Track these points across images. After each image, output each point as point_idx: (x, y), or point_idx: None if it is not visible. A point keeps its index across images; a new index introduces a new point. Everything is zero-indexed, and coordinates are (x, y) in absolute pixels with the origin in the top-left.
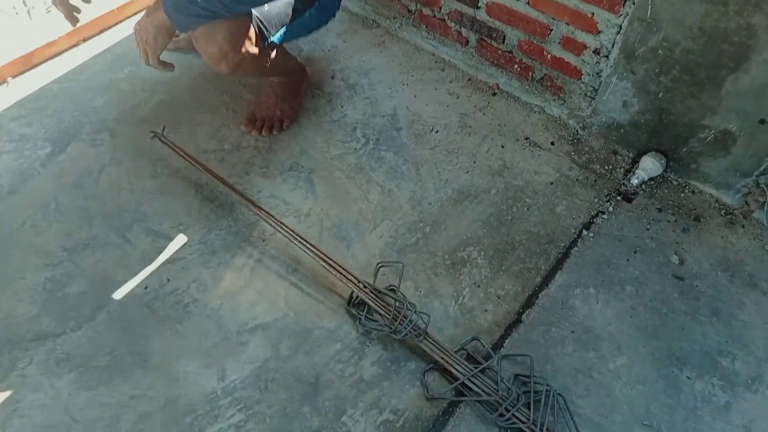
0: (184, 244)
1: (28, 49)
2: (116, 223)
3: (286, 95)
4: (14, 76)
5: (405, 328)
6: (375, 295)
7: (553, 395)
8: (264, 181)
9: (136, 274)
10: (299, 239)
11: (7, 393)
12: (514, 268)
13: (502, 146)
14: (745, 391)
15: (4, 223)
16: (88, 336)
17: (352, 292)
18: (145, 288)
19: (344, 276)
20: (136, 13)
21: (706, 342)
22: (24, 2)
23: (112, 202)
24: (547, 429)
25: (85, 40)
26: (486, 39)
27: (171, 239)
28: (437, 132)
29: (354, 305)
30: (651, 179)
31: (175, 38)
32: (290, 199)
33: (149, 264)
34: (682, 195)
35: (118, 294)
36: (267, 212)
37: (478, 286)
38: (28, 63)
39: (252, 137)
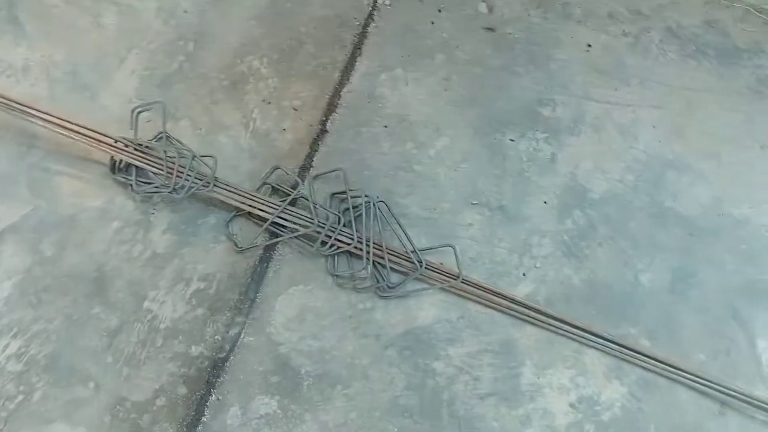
0: None
1: None
2: None
3: None
4: None
5: (187, 180)
6: (141, 151)
7: (374, 204)
8: None
9: None
10: (23, 106)
11: None
12: (306, 69)
13: None
14: (569, 136)
15: None
16: None
17: (113, 156)
18: None
19: (96, 139)
20: None
21: (525, 95)
22: None
23: None
24: (374, 243)
25: None
26: None
27: None
28: None
29: (120, 170)
30: None
31: None
32: None
33: None
34: None
35: None
36: None
37: (269, 102)
38: None
39: None
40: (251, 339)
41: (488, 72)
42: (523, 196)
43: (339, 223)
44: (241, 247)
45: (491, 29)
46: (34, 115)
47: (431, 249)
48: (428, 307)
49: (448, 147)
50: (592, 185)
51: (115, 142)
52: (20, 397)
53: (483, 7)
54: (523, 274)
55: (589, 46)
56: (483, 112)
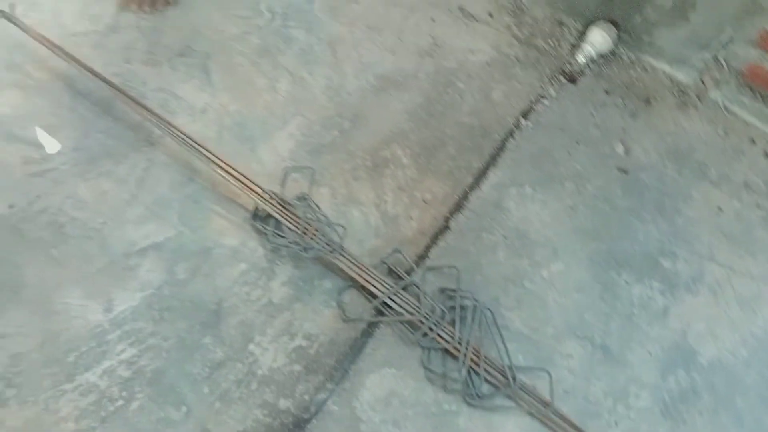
0: (56, 154)
1: None
2: None
3: None
4: None
5: (317, 244)
6: (283, 206)
7: (481, 310)
8: (149, 71)
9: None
10: (193, 143)
11: None
12: (443, 168)
13: (433, 19)
14: (685, 293)
15: None
16: None
17: (257, 204)
18: (10, 207)
19: (247, 186)
20: None
21: (649, 242)
22: None
23: None
24: (473, 348)
25: None
26: None
27: (38, 146)
28: (357, 2)
29: (260, 219)
30: (600, 56)
31: None
32: (182, 92)
33: (12, 177)
34: (633, 74)
35: None
36: (153, 111)
37: (403, 190)
38: None
39: (132, 14)
40: (336, 408)
41: (615, 211)
42: (628, 341)
43: (443, 319)
44: (347, 317)
45: (624, 171)
46: (200, 153)
47: (527, 369)
48: (512, 428)
49: (563, 273)
50: (702, 349)
51: (263, 192)
52: (120, 402)
53: (620, 149)
54: (615, 423)
55: (720, 209)
56: (603, 247)
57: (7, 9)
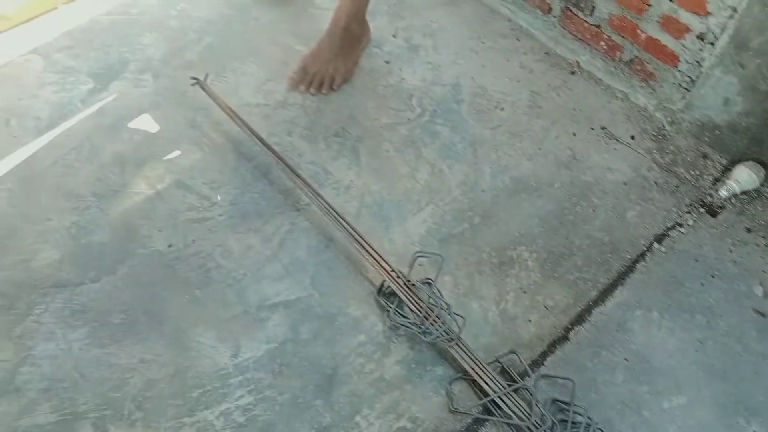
0: (215, 203)
1: None
2: (148, 172)
3: (342, 50)
4: (66, 2)
5: (436, 330)
6: (408, 287)
7: (594, 429)
8: (306, 145)
9: (162, 229)
10: (335, 214)
11: (22, 337)
12: (568, 277)
13: (574, 134)
14: None
15: (37, 158)
16: (107, 290)
17: (384, 281)
18: (169, 246)
19: (377, 262)
20: None
21: None
22: None
23: (147, 149)
24: None
25: None
26: (572, 8)
27: (202, 196)
28: (502, 110)
29: (384, 295)
30: (743, 193)
31: None
32: (332, 167)
33: (176, 220)
34: None
35: (142, 248)
36: (305, 180)
37: (525, 292)
38: None
39: (299, 95)
40: None
41: (748, 354)
42: None
43: (553, 430)
44: (455, 408)
45: (762, 314)
46: (340, 224)
47: None
48: None
49: (684, 408)
50: None
51: (391, 270)
52: None
53: (759, 290)
54: None
55: None
56: (731, 390)
57: (201, 77)
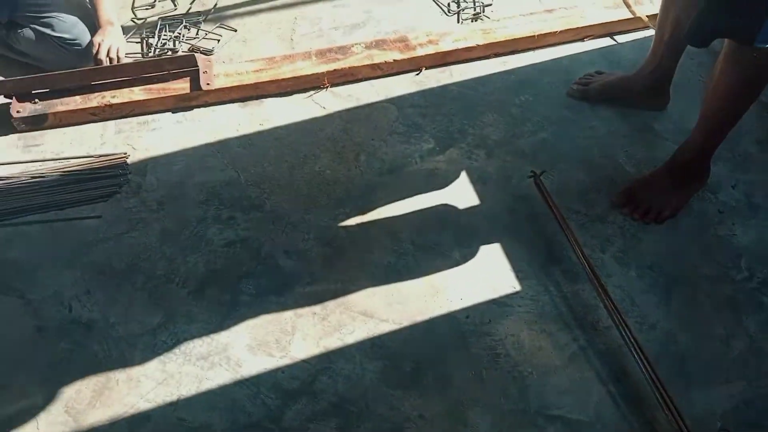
0: (516, 293)
1: (446, 47)
2: (463, 240)
3: (677, 185)
4: (427, 68)
5: None
6: None
7: None
8: (617, 268)
9: (462, 298)
10: (638, 350)
11: (327, 348)
12: None
13: None
14: None
15: (375, 196)
16: (404, 335)
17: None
18: (467, 317)
19: (675, 420)
20: (551, 45)
21: None
22: (458, 4)
23: (464, 220)
24: None
25: (497, 55)
26: None
27: (507, 281)
28: None
29: None
30: None
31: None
32: (639, 300)
33: (477, 294)
34: None
35: (440, 308)
36: (614, 303)
37: None
38: (442, 59)
39: (621, 216)
40: None
41: None
42: None
43: None
44: None
45: None
46: (640, 362)
47: None
48: None
49: None
50: None
51: (684, 427)
52: None
53: None
54: None
55: None
56: None
57: (538, 171)
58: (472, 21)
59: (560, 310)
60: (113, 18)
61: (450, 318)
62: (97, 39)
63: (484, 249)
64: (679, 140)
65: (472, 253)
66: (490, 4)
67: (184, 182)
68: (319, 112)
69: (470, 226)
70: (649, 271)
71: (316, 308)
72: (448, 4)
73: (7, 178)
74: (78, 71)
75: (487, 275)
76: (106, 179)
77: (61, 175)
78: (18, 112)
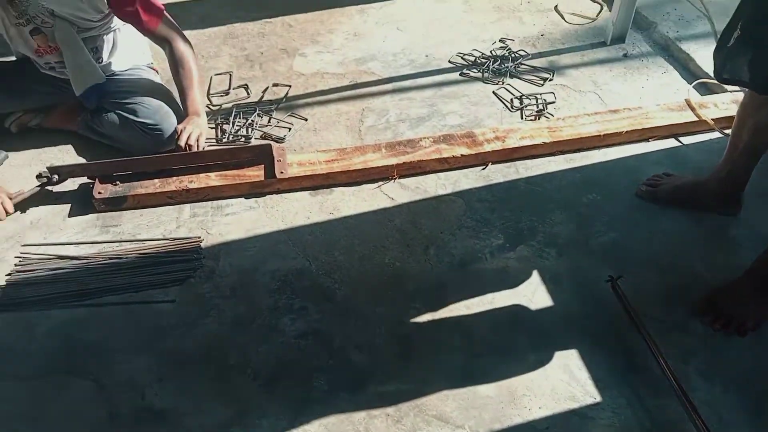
0: (597, 403)
1: (513, 143)
2: (538, 343)
3: (759, 296)
4: (493, 162)
5: None
6: None
7: None
8: (701, 382)
9: (540, 407)
10: None
11: None
12: None
13: None
14: None
15: (447, 290)
16: None
17: None
18: (546, 428)
19: None
20: (616, 144)
21: None
22: (521, 101)
23: (538, 321)
24: None
25: (561, 152)
26: None
27: (586, 390)
28: None
29: None
30: None
31: None
32: (728, 417)
33: (556, 403)
34: None
35: (518, 416)
36: (704, 423)
37: None
38: (508, 155)
39: (702, 325)
40: None
41: None
42: None
43: None
44: None
45: None
46: None
47: None
48: None
49: None
50: None
51: None
52: None
53: None
54: None
55: None
56: None
57: (614, 276)
58: (535, 118)
59: (644, 425)
60: (201, 110)
61: (529, 428)
62: (181, 126)
63: (560, 354)
64: (756, 248)
65: (548, 358)
66: (553, 102)
67: (256, 269)
68: (388, 203)
69: (544, 329)
70: (735, 386)
71: (389, 409)
72: (511, 100)
73: (86, 258)
74: (159, 157)
75: (566, 383)
76: (180, 263)
77: (137, 257)
78: (99, 193)
